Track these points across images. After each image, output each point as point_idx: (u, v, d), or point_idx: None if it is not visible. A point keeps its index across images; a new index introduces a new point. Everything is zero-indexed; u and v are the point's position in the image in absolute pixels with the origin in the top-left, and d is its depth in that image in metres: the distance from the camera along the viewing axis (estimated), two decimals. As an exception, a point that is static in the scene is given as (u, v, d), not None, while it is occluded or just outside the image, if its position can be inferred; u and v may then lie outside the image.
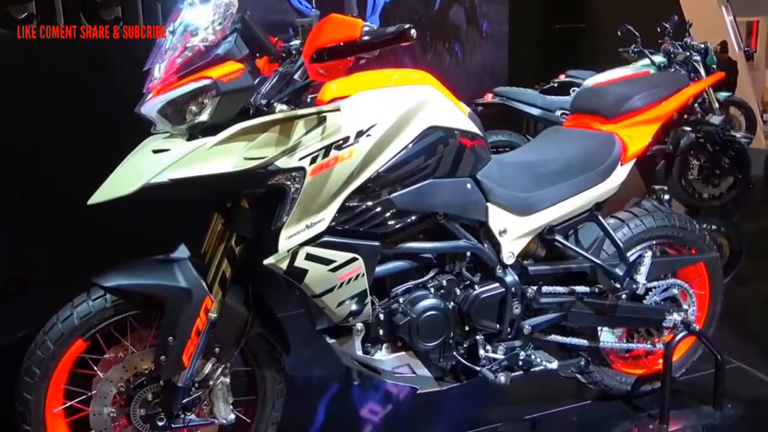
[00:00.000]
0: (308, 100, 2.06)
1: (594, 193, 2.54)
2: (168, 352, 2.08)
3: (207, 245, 2.20)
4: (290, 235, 1.98)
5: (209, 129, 1.90)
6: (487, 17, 6.69)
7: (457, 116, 2.20)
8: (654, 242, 2.77)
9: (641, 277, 2.66)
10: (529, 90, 6.04)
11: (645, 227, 2.74)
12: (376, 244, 2.09)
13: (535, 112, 5.81)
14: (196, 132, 1.92)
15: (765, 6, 17.92)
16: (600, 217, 2.61)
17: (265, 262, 2.00)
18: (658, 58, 5.94)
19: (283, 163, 1.93)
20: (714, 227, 5.87)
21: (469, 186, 2.25)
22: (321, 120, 1.96)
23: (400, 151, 2.08)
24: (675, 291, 2.79)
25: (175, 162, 1.84)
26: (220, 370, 2.19)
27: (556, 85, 6.16)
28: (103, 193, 1.86)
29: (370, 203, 2.06)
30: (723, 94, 7.50)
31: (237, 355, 2.23)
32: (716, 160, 6.04)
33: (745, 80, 9.73)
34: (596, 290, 2.59)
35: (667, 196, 2.83)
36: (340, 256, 2.04)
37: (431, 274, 2.31)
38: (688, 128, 5.72)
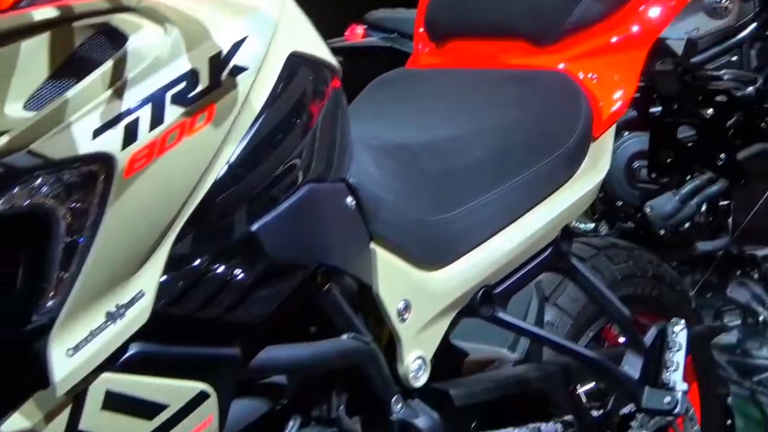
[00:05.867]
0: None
1: (562, 203, 1.30)
2: None
3: None
4: (75, 346, 0.78)
5: None
6: None
7: (318, 39, 1.03)
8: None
9: (677, 378, 1.32)
10: None
11: (616, 275, 1.52)
12: (235, 352, 0.92)
13: None
14: None
15: None
16: (573, 260, 1.37)
17: (4, 429, 0.78)
18: None
19: (43, 147, 0.75)
20: None
21: (348, 201, 1.03)
22: (113, 37, 0.80)
23: (262, 110, 0.90)
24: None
25: None
26: None
27: None
28: None
29: (217, 247, 0.89)
30: None
31: None
32: None
33: None
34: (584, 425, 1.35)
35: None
36: (176, 391, 0.86)
37: (290, 427, 1.07)
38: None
